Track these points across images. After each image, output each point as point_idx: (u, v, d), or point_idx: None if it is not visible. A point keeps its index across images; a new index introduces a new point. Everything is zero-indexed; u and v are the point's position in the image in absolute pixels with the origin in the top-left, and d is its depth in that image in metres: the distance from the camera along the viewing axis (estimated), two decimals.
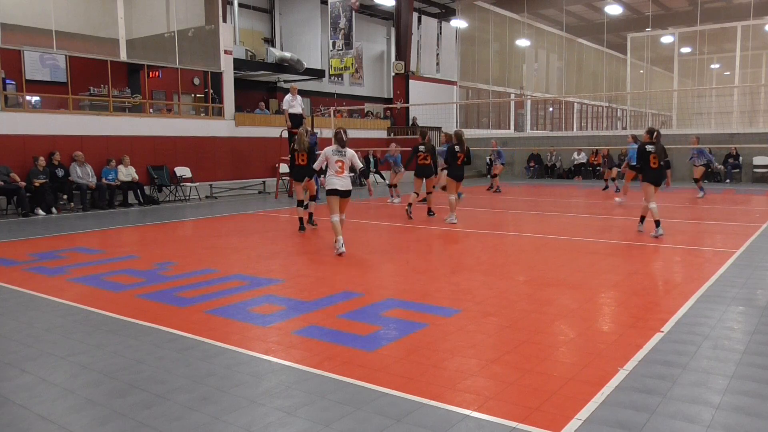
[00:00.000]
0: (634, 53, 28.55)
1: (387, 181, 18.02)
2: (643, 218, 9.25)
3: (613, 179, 17.05)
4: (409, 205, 11.27)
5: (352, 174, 8.32)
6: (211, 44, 17.03)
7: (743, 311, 4.94)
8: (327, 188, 7.59)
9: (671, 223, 10.55)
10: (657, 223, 8.75)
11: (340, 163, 7.49)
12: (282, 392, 3.40)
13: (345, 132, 7.68)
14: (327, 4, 21.99)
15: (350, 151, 7.62)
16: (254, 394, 3.39)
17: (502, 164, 17.82)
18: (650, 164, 8.89)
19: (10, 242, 8.91)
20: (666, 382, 3.47)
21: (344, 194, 7.62)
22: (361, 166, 7.87)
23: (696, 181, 15.01)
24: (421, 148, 11.28)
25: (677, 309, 4.95)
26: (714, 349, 4.02)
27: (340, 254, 7.36)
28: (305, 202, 9.77)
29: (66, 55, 14.36)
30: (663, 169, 8.90)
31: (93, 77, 15.75)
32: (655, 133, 9.00)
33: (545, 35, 31.21)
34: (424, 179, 11.43)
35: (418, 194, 11.31)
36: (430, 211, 11.46)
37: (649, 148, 8.90)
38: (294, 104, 14.42)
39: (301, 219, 9.56)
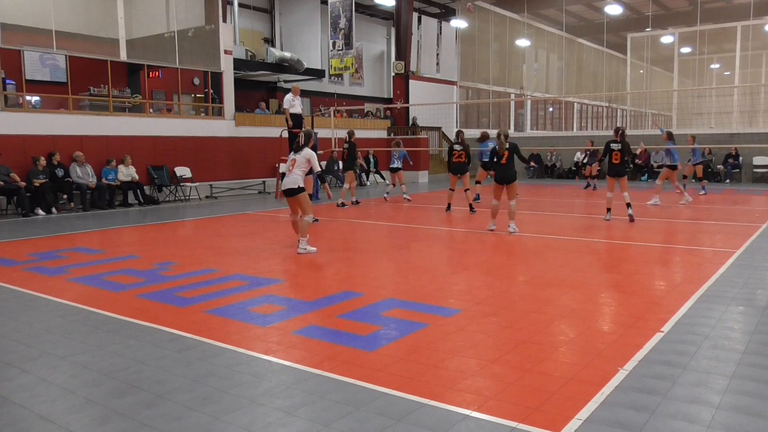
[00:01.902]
0: (634, 53, 28.53)
1: (387, 181, 18.05)
2: (608, 210, 10.44)
3: (593, 177, 17.67)
4: (449, 205, 12.04)
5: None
6: (211, 44, 17.02)
7: (743, 311, 4.94)
8: None
9: (671, 223, 10.56)
10: (628, 206, 10.21)
11: (293, 161, 7.69)
12: (282, 392, 3.40)
13: (303, 135, 7.91)
14: (327, 4, 21.98)
15: (307, 152, 7.72)
16: (254, 394, 3.39)
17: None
18: (612, 160, 10.17)
19: (10, 242, 8.91)
20: (666, 382, 3.47)
21: (287, 193, 7.68)
22: (319, 169, 8.01)
23: (700, 179, 15.19)
24: (456, 147, 11.77)
25: (677, 309, 4.96)
26: (714, 349, 4.02)
27: (299, 254, 7.64)
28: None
29: (66, 55, 14.36)
30: (625, 164, 10.15)
31: (93, 77, 15.75)
32: (620, 131, 10.26)
33: (545, 35, 31.19)
34: (459, 176, 11.89)
35: (453, 190, 11.95)
36: (471, 208, 11.93)
37: (613, 146, 10.18)
38: (294, 104, 14.42)
39: None
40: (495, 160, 9.38)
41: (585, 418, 3.03)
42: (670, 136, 12.90)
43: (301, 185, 7.65)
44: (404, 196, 14.53)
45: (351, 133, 13.74)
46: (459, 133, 12.14)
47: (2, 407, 3.28)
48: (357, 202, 13.80)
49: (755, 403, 3.21)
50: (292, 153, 7.82)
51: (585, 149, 20.15)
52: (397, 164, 14.84)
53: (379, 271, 6.91)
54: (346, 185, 13.83)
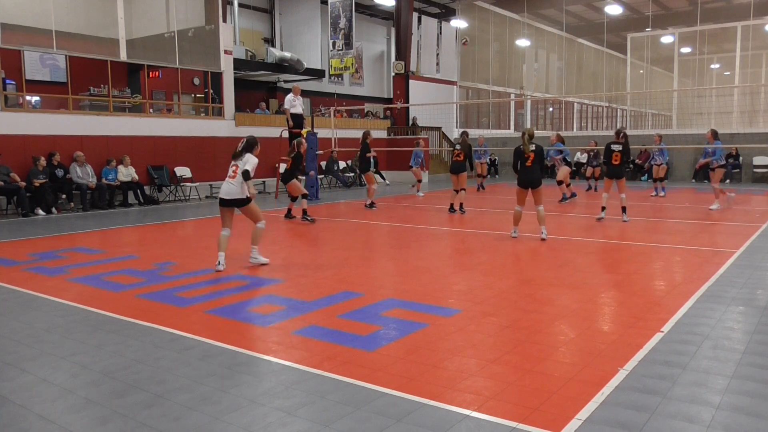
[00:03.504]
0: (634, 53, 28.52)
1: (387, 182, 18.07)
2: (603, 208, 10.41)
3: (595, 178, 17.49)
4: (451, 205, 12.08)
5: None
6: (211, 44, 17.03)
7: (743, 311, 4.94)
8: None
9: (671, 223, 10.56)
10: (623, 210, 10.26)
11: (234, 168, 6.77)
12: (282, 392, 3.40)
13: (246, 142, 6.89)
14: (327, 4, 21.98)
15: (249, 158, 6.79)
16: (254, 394, 3.39)
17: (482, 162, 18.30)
18: (612, 161, 10.18)
19: (10, 242, 8.91)
20: (666, 382, 3.47)
21: (229, 203, 6.75)
22: (248, 169, 6.76)
23: (659, 180, 15.01)
24: (457, 146, 11.92)
25: (677, 309, 4.96)
26: (714, 349, 4.02)
27: (217, 271, 6.64)
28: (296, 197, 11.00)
29: (66, 55, 14.36)
30: (624, 165, 10.24)
31: (93, 77, 15.75)
32: (622, 134, 10.34)
33: (545, 35, 31.19)
34: (458, 175, 11.96)
35: (457, 191, 11.99)
36: (461, 208, 11.96)
37: (614, 147, 10.18)
38: (295, 104, 14.45)
39: (289, 210, 11.17)
40: (518, 161, 8.61)
41: (585, 418, 3.03)
42: (715, 135, 12.26)
43: (248, 195, 6.75)
44: (415, 190, 16.25)
45: (366, 134, 13.26)
46: (463, 134, 12.30)
47: (2, 407, 3.28)
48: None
49: (755, 403, 3.21)
50: (234, 159, 6.83)
51: (587, 149, 20.12)
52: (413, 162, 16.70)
53: (379, 271, 6.91)
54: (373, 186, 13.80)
